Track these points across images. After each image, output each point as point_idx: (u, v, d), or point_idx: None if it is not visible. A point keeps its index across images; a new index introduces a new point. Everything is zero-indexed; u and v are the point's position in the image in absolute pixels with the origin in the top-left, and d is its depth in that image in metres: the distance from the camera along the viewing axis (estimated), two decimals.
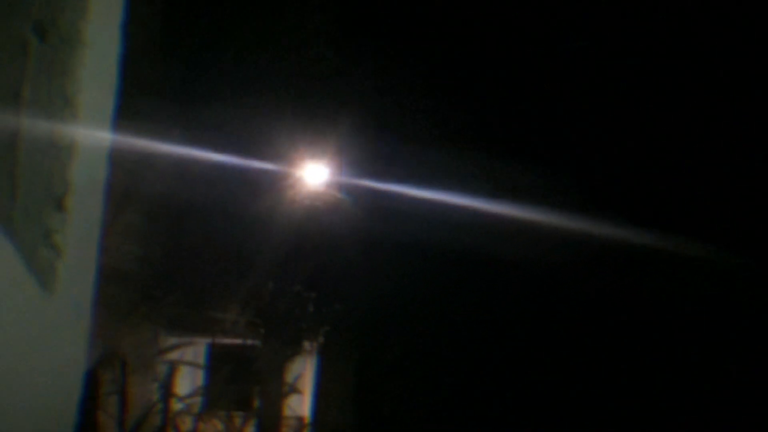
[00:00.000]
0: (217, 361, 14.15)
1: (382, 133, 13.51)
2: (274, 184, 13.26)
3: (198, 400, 13.34)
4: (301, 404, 14.37)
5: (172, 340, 13.48)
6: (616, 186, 13.09)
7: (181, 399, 13.26)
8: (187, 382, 13.87)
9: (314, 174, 13.45)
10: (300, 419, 14.17)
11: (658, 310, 12.78)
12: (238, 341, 14.03)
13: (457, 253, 12.79)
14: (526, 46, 13.22)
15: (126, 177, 11.42)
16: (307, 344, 14.47)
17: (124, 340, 11.84)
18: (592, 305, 12.75)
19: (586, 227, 12.47)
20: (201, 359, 14.32)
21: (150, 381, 12.83)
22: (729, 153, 13.20)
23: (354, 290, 13.63)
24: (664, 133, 13.38)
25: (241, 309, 13.30)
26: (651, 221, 12.59)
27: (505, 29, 13.27)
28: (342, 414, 13.74)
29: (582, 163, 13.11)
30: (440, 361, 13.07)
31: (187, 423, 12.96)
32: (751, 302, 12.59)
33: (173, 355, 13.64)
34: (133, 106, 11.67)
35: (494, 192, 12.69)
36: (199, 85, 12.83)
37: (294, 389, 13.80)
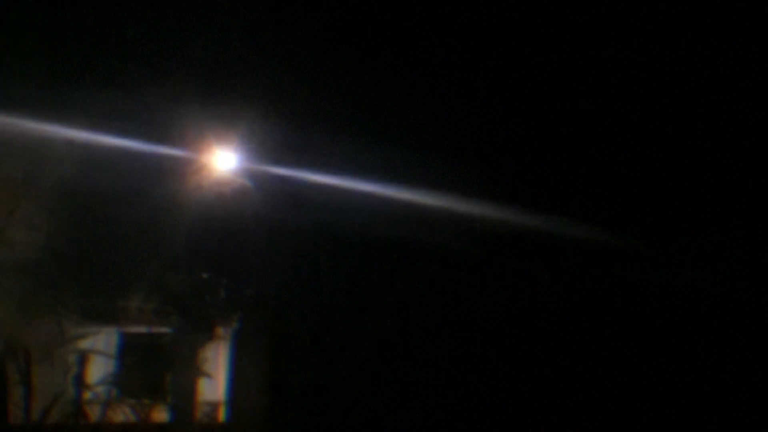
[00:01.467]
0: (128, 350, 14.14)
1: (289, 119, 13.56)
2: (181, 170, 13.26)
3: (108, 388, 13.33)
4: (215, 389, 14.41)
5: (81, 330, 13.42)
6: (523, 172, 13.28)
7: (90, 388, 13.25)
8: (98, 371, 13.85)
9: (222, 160, 13.46)
10: (214, 404, 14.22)
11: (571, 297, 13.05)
12: (149, 329, 14.03)
13: (364, 238, 12.93)
14: (427, 34, 13.35)
15: (26, 166, 11.36)
16: (220, 330, 14.52)
17: (28, 331, 11.80)
18: (488, 289, 12.99)
19: (487, 212, 12.73)
20: (113, 348, 14.28)
21: (59, 371, 12.80)
22: (641, 140, 13.45)
23: (265, 276, 13.70)
24: (575, 118, 13.60)
25: (151, 296, 13.31)
26: (562, 208, 12.84)
27: (407, 16, 13.38)
28: (256, 398, 13.80)
29: (490, 149, 13.30)
30: (351, 344, 13.20)
31: (96, 411, 12.96)
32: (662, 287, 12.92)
33: (84, 345, 13.62)
34: (31, 95, 11.61)
35: (400, 178, 12.85)
36: (104, 70, 12.76)
37: (206, 374, 13.85)
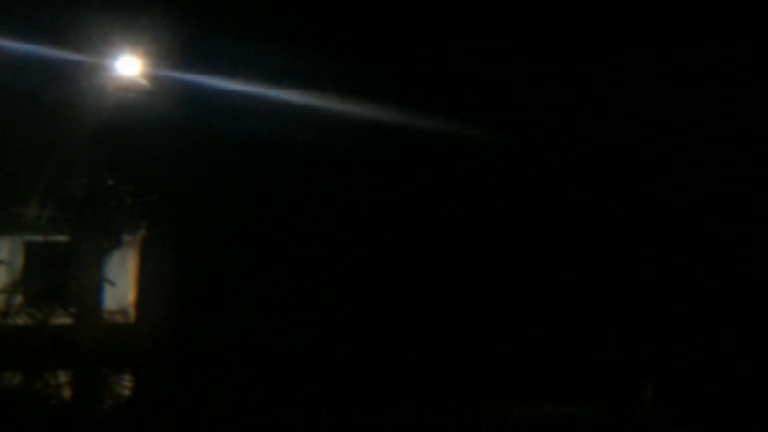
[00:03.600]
0: (30, 257, 13.91)
1: (193, 23, 13.27)
2: (85, 74, 12.93)
3: (9, 295, 13.16)
4: (122, 296, 14.29)
5: None
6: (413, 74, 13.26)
7: None
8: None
9: (125, 64, 13.15)
10: (119, 311, 14.10)
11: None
12: (53, 236, 13.81)
13: (265, 142, 12.85)
14: None
15: None
16: (126, 237, 14.34)
17: None
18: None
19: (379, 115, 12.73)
20: (14, 256, 14.04)
21: None
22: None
23: (170, 182, 13.54)
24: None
25: (50, 202, 13.06)
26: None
27: None
28: (161, 302, 13.75)
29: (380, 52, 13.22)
30: (250, 246, 13.22)
31: None
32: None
33: None
34: None
35: (302, 82, 12.75)
36: None
37: (110, 281, 13.71)
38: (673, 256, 13.30)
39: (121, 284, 14.01)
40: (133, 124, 13.14)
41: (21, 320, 13.33)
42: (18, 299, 13.56)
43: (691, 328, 13.03)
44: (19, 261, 14.00)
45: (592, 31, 13.41)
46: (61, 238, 13.75)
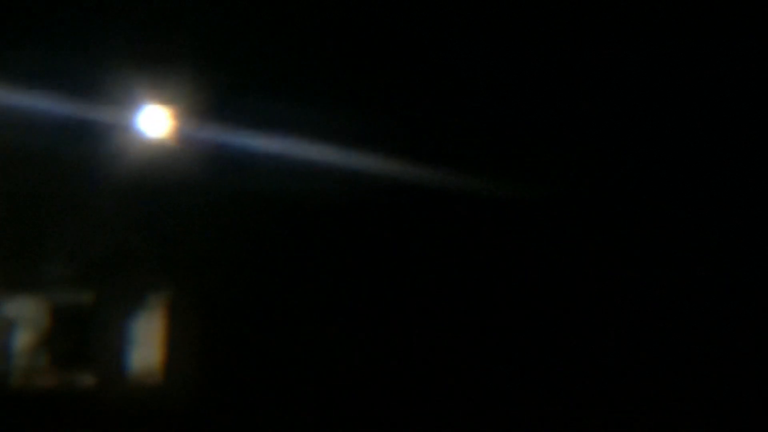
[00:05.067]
0: (54, 318, 13.71)
1: (223, 79, 13.12)
2: (110, 130, 12.80)
3: (32, 357, 12.97)
4: (147, 357, 14.06)
5: (3, 298, 13.03)
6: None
7: (14, 357, 12.89)
8: (23, 340, 13.47)
9: (152, 121, 13.00)
10: (144, 372, 13.85)
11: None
12: (78, 297, 13.64)
13: (296, 201, 12.64)
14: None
15: None
16: (152, 297, 14.13)
17: None
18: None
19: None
20: (37, 316, 13.84)
21: None
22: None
23: (197, 241, 13.32)
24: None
25: (79, 263, 12.90)
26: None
27: None
28: (189, 367, 13.50)
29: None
30: (283, 310, 12.98)
31: (20, 381, 12.62)
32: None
33: (7, 313, 13.24)
34: None
35: (336, 140, 12.57)
36: (23, 22, 12.25)
37: (135, 342, 13.47)
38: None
39: (146, 346, 13.77)
40: (159, 182, 12.97)
41: (45, 382, 13.15)
42: (42, 360, 13.38)
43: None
44: (44, 321, 13.79)
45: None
46: (86, 298, 13.59)
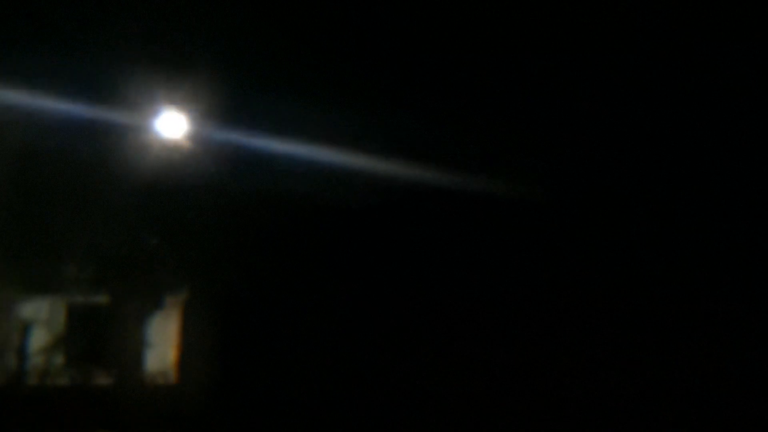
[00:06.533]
0: (71, 318, 13.79)
1: (239, 81, 13.22)
2: (127, 131, 12.90)
3: (49, 357, 13.05)
4: (163, 359, 14.13)
5: (22, 299, 13.12)
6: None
7: (31, 357, 12.97)
8: (40, 341, 13.54)
9: (169, 122, 13.11)
10: (161, 373, 13.92)
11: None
12: (93, 297, 13.71)
13: (311, 201, 12.72)
14: None
15: None
16: (169, 298, 14.20)
17: None
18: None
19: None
20: (55, 317, 13.93)
21: None
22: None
23: (213, 241, 13.40)
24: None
25: (92, 263, 12.98)
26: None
27: None
28: (205, 366, 13.55)
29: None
30: (305, 316, 13.03)
31: (37, 380, 12.70)
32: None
33: (25, 314, 13.34)
34: None
35: (350, 142, 12.66)
36: (43, 28, 12.37)
37: (152, 343, 13.55)
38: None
39: (163, 345, 13.84)
40: (175, 183, 13.06)
41: (61, 382, 13.22)
42: (58, 360, 13.45)
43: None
44: (60, 321, 13.88)
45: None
46: (102, 298, 13.66)
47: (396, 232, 13.26)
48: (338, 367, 13.10)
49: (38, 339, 13.55)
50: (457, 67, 13.51)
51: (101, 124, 12.71)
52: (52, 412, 12.49)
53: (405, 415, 12.98)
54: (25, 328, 13.47)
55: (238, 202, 13.23)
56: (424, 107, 13.29)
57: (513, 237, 13.28)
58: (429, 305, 13.21)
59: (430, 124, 13.14)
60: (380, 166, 12.93)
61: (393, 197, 12.99)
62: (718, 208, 13.12)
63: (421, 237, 13.28)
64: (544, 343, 13.11)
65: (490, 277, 13.18)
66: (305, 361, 13.18)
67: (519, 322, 13.16)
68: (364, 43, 13.42)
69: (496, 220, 13.24)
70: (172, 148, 13.06)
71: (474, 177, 13.00)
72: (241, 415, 13.04)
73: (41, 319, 13.64)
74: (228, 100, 13.05)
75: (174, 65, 12.94)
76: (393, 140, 12.92)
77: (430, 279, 13.23)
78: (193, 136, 13.10)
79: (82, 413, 12.49)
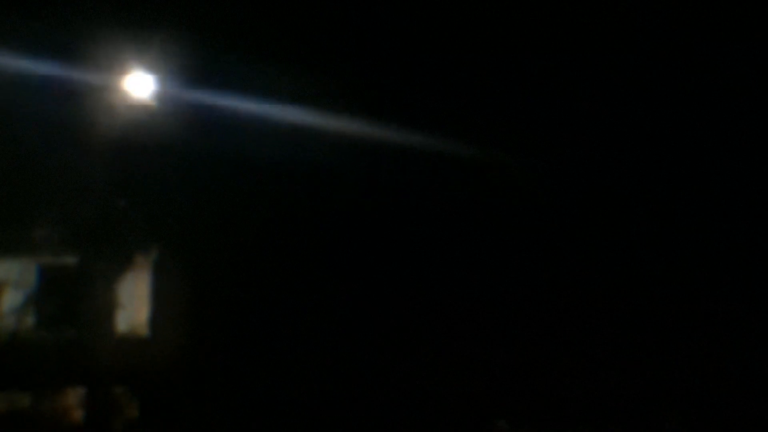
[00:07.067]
0: (43, 279, 13.83)
1: (206, 42, 13.21)
2: (96, 93, 12.88)
3: (21, 317, 13.10)
4: (135, 318, 14.20)
5: None
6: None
7: (3, 317, 13.02)
8: (12, 302, 13.58)
9: (137, 84, 13.10)
10: (133, 331, 14.01)
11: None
12: (65, 258, 13.74)
13: (278, 162, 12.78)
14: None
15: None
16: (140, 257, 14.25)
17: None
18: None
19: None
20: (26, 278, 13.96)
21: None
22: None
23: (182, 202, 13.45)
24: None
25: (62, 225, 13.01)
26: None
27: None
28: (174, 325, 13.64)
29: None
30: (266, 269, 13.12)
31: (8, 339, 12.76)
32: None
33: None
34: None
35: (316, 102, 12.69)
36: None
37: (122, 304, 13.62)
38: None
39: (133, 305, 13.92)
40: (144, 145, 13.08)
41: (33, 340, 13.29)
42: (30, 320, 13.50)
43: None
44: (31, 282, 13.92)
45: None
46: (72, 259, 13.69)
47: (372, 194, 13.31)
48: (311, 327, 13.23)
49: (10, 300, 13.59)
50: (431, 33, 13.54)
51: (70, 84, 12.68)
52: (21, 368, 12.55)
53: (384, 386, 13.10)
54: None
55: (208, 162, 13.27)
56: (394, 66, 13.34)
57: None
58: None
59: (399, 83, 13.20)
60: (348, 125, 12.99)
61: (366, 158, 13.05)
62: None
63: (393, 198, 13.36)
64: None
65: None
66: (276, 320, 13.30)
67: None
68: (333, 3, 13.43)
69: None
70: (140, 108, 13.06)
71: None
72: (208, 368, 13.16)
73: (12, 280, 13.66)
74: (196, 60, 13.05)
75: (142, 26, 12.91)
76: (361, 100, 12.97)
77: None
78: (161, 97, 13.11)
79: (51, 370, 12.56)
